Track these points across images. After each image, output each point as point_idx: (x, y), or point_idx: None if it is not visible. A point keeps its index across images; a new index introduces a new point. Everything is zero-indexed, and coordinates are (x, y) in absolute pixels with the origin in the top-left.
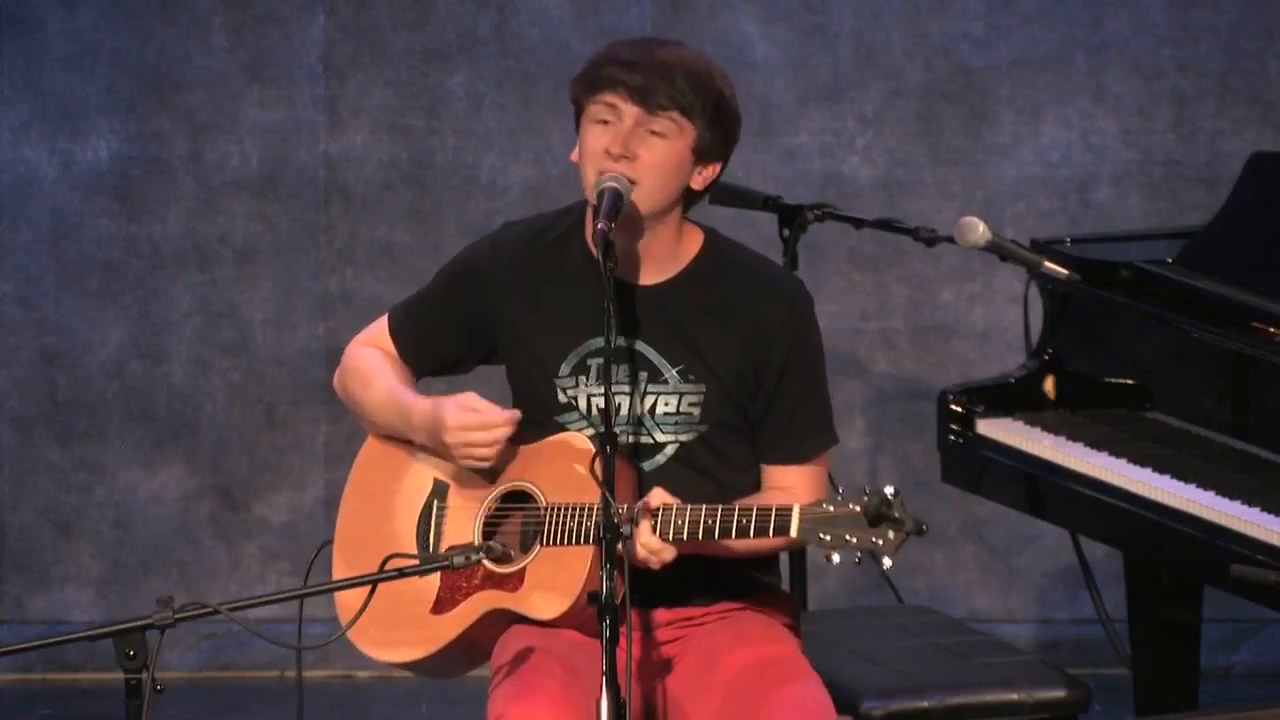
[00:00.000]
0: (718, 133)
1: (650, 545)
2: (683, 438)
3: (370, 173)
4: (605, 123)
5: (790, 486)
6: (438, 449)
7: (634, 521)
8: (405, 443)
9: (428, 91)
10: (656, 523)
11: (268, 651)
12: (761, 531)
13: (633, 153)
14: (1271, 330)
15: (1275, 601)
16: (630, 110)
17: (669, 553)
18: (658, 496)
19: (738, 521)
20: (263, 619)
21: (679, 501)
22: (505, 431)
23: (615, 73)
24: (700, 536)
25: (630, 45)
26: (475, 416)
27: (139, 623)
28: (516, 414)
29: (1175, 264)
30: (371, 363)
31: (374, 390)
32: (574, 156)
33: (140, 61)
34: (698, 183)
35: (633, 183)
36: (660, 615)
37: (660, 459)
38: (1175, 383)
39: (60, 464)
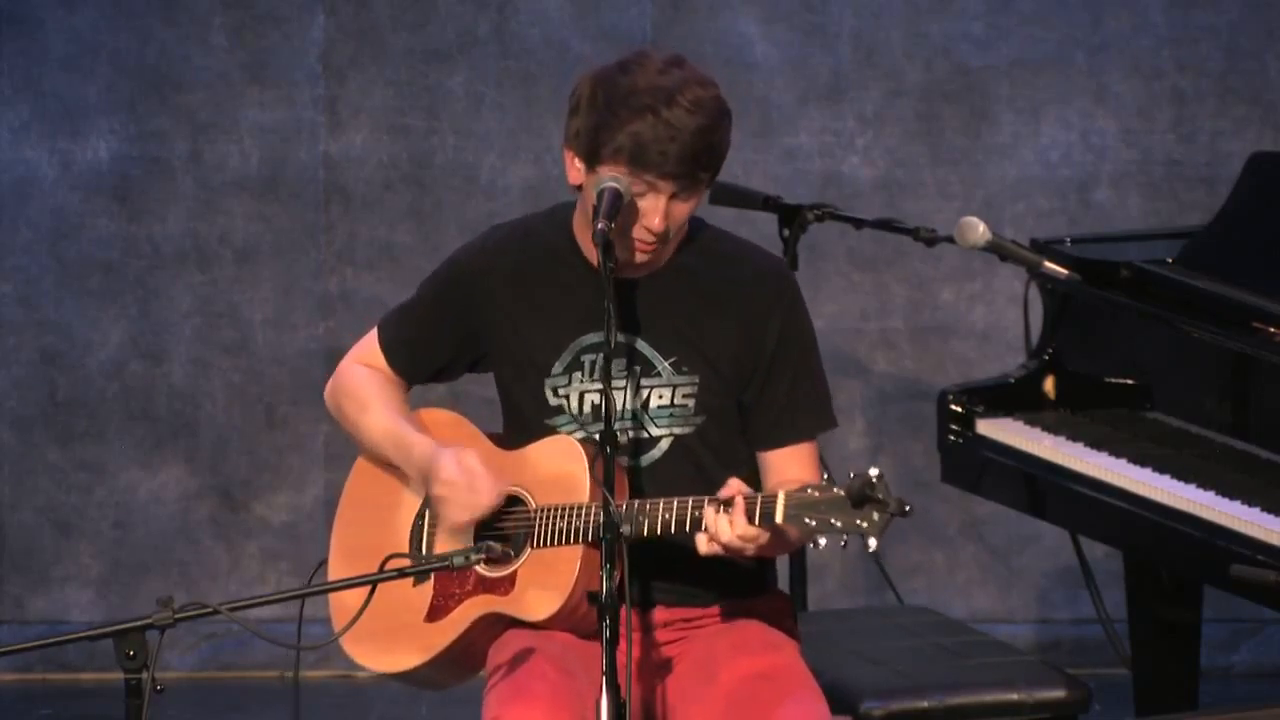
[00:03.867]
0: (720, 169)
1: (747, 534)
2: (677, 431)
3: (370, 173)
4: (640, 193)
5: (786, 474)
6: (416, 481)
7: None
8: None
9: (428, 91)
10: (644, 516)
11: (267, 651)
12: (747, 519)
13: (669, 223)
14: (1271, 330)
15: (1275, 601)
16: (669, 187)
17: (765, 536)
18: (736, 485)
19: (760, 510)
20: (262, 619)
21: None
22: (488, 500)
23: (659, 160)
24: (687, 528)
25: (663, 115)
26: (464, 478)
27: (139, 623)
28: (502, 489)
29: (1175, 264)
30: (367, 387)
31: (370, 418)
32: (574, 180)
33: (140, 61)
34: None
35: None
36: (659, 615)
37: (655, 453)
38: (1175, 383)
39: (60, 464)
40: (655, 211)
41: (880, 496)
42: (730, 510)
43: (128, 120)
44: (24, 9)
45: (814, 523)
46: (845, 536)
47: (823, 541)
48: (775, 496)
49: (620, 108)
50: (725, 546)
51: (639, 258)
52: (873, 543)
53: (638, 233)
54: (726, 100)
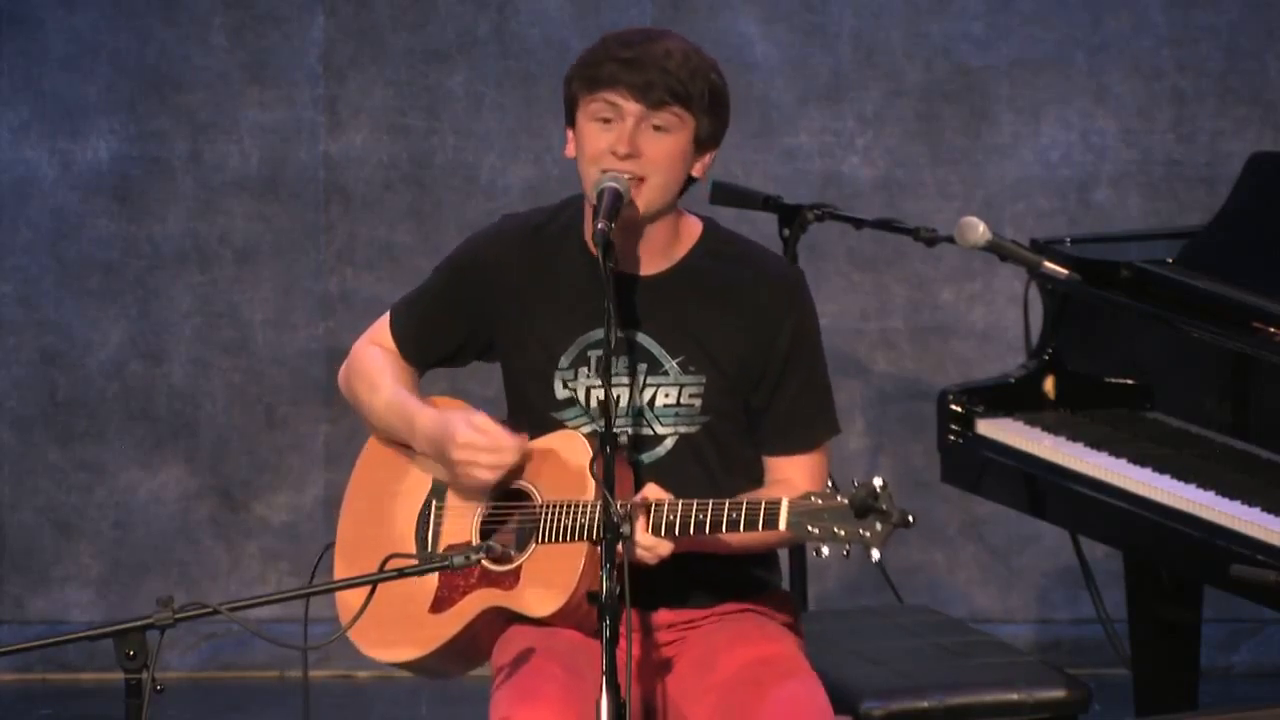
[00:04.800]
0: (715, 120)
1: (644, 542)
2: (683, 430)
3: (370, 173)
4: (606, 120)
5: (791, 479)
6: (437, 460)
7: (629, 519)
8: (406, 444)
9: (428, 91)
10: (649, 518)
11: (268, 651)
12: (751, 525)
13: (638, 150)
14: (1271, 330)
15: (1275, 601)
16: (632, 108)
17: (664, 548)
18: (652, 492)
19: (728, 515)
20: (263, 619)
21: (670, 497)
22: (512, 456)
23: (614, 70)
24: (691, 531)
25: (624, 40)
26: (484, 438)
27: (139, 623)
28: (524, 440)
29: (1175, 264)
30: (378, 365)
31: (379, 394)
32: (570, 152)
33: (140, 61)
34: (697, 170)
35: (640, 179)
36: (661, 616)
37: (660, 451)
38: (1175, 383)
39: (60, 464)
40: (621, 139)
41: (884, 507)
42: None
43: (128, 120)
44: (24, 9)
45: (817, 530)
46: (848, 545)
47: (825, 550)
48: (779, 503)
49: (588, 53)
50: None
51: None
52: (875, 553)
53: (610, 163)
54: (711, 56)
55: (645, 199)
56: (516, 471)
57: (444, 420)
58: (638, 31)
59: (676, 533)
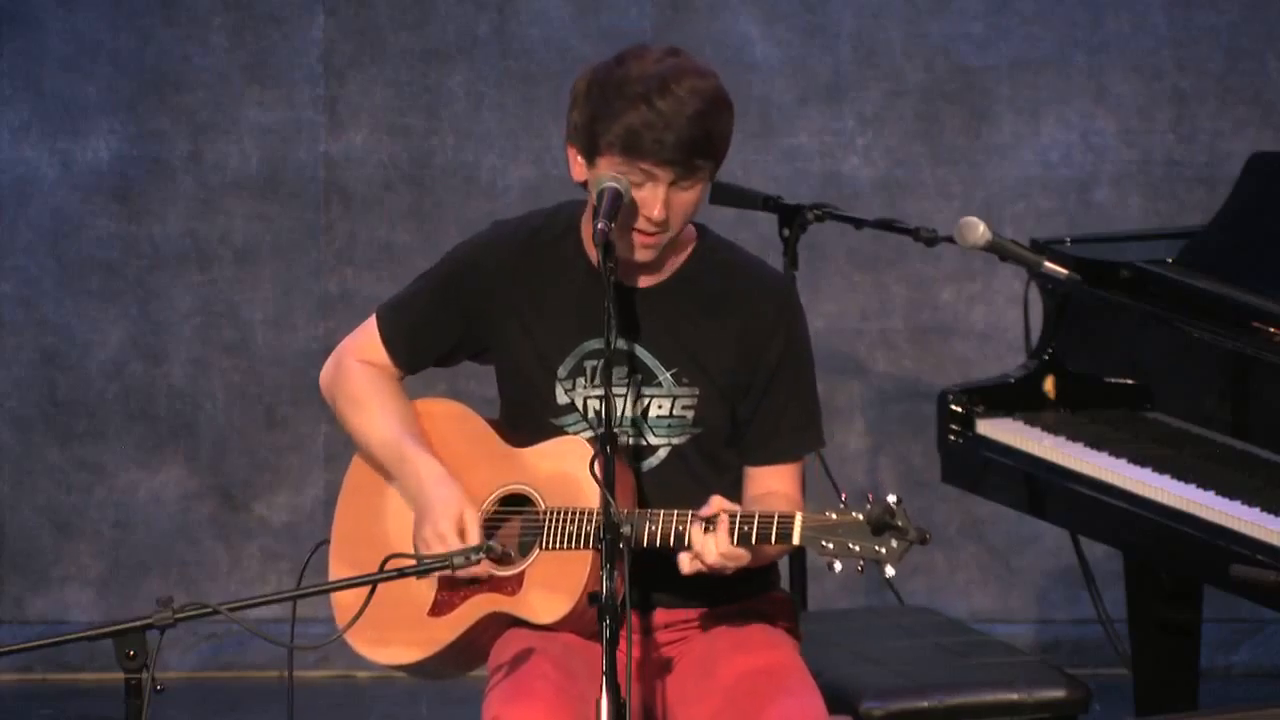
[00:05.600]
0: (722, 160)
1: (731, 553)
2: (675, 441)
3: (370, 173)
4: (637, 182)
5: (774, 489)
6: (407, 500)
7: (711, 528)
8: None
9: (428, 91)
10: (650, 527)
11: (268, 651)
12: (763, 538)
13: (672, 213)
14: (1271, 330)
15: (1275, 601)
16: (667, 174)
17: (747, 556)
18: (716, 504)
19: (739, 529)
20: (262, 619)
21: (731, 506)
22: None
23: (654, 148)
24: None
25: (647, 95)
26: (455, 540)
27: (139, 623)
28: (481, 572)
29: (1175, 264)
30: (366, 390)
31: (368, 424)
32: (577, 176)
33: (140, 61)
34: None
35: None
36: (659, 617)
37: (653, 462)
38: (1175, 383)
39: (60, 464)
40: (655, 200)
41: (900, 524)
42: (715, 529)
43: (128, 120)
44: (24, 9)
45: (831, 546)
46: (862, 562)
47: (839, 566)
48: (793, 517)
49: (615, 98)
50: (710, 567)
51: (641, 254)
52: (890, 570)
53: (639, 224)
54: (727, 91)
55: (661, 247)
56: (518, 475)
57: (435, 496)
58: (656, 77)
59: (671, 544)
